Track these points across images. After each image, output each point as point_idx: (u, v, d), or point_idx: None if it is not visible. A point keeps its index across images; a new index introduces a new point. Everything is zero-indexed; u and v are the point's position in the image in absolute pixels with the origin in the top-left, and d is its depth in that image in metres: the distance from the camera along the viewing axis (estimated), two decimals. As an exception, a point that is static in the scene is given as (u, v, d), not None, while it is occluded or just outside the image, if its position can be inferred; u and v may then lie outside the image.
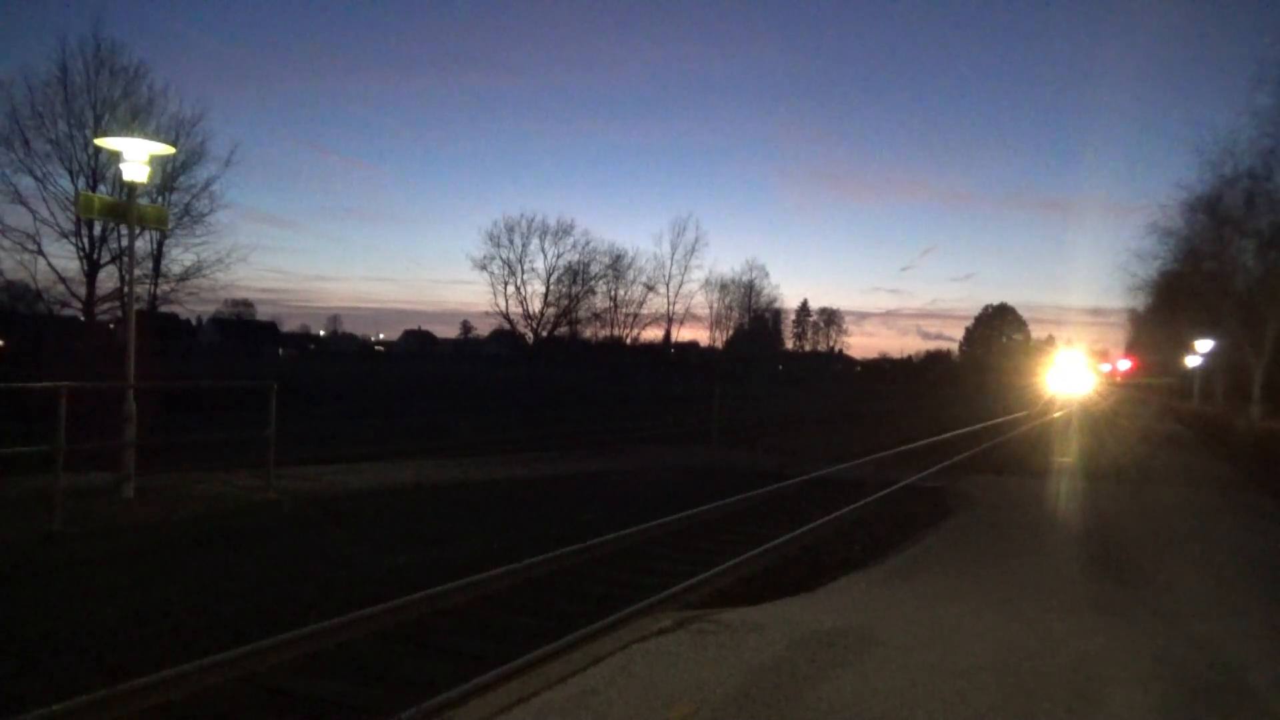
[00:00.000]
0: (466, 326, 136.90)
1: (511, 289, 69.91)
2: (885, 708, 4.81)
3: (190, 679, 5.49)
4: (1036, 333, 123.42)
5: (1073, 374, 58.17)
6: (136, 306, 12.44)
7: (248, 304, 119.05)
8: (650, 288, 77.99)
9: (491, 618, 7.33)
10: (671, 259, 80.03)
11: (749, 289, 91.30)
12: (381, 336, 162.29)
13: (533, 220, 70.50)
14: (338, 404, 35.41)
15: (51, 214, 29.95)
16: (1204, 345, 35.88)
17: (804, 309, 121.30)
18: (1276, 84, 26.12)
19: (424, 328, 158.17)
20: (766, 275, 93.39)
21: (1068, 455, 21.06)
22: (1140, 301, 48.04)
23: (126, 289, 23.24)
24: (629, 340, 78.06)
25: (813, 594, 7.42)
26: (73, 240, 30.47)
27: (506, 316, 71.06)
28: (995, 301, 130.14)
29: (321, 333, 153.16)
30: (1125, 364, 73.00)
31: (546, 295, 70.86)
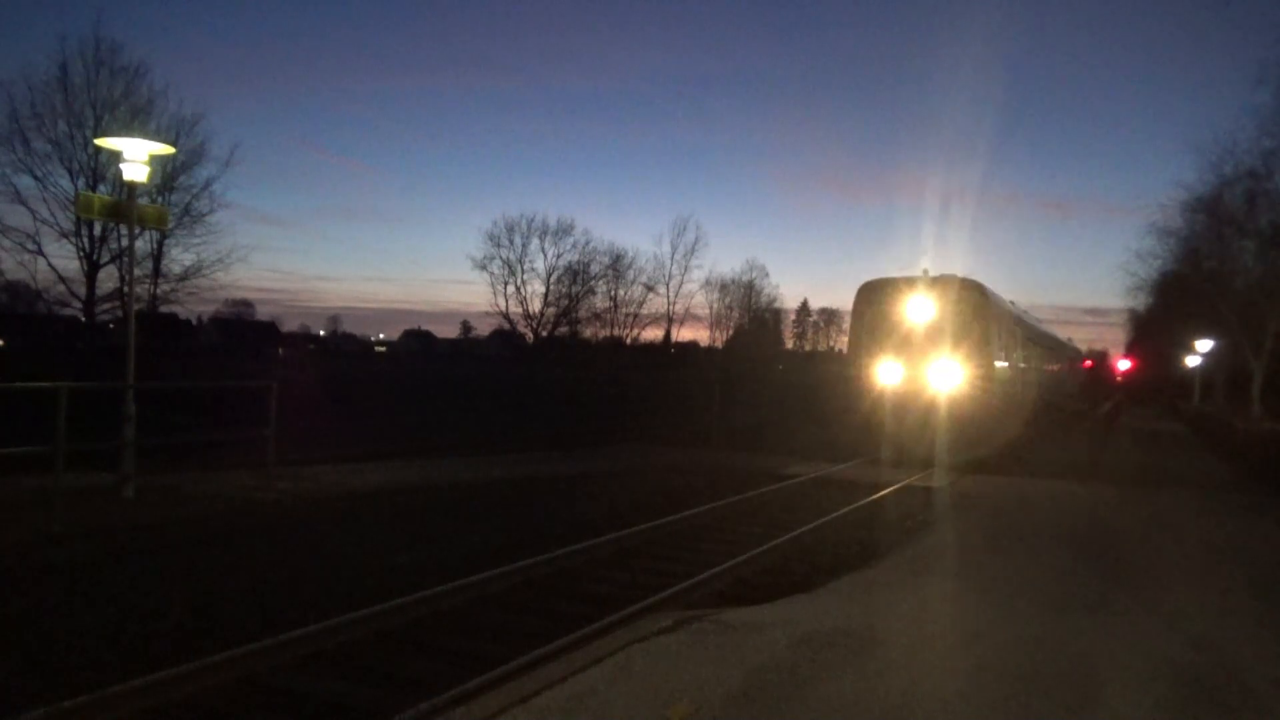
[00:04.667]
0: (466, 326, 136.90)
1: (511, 289, 70.19)
2: (886, 708, 4.81)
3: (190, 679, 5.49)
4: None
5: (926, 343, 19.37)
6: (136, 306, 12.43)
7: (248, 304, 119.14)
8: (650, 288, 78.12)
9: (492, 618, 7.33)
10: (671, 259, 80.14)
11: (749, 289, 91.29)
12: (382, 336, 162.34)
13: (533, 220, 70.76)
14: (337, 404, 35.40)
15: (51, 214, 30.05)
16: (1204, 345, 35.90)
17: (804, 309, 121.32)
18: (1276, 84, 26.14)
19: (424, 328, 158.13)
20: (766, 275, 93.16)
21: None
22: (1140, 301, 48.02)
23: (126, 289, 23.28)
24: (629, 340, 78.13)
25: (813, 594, 7.42)
26: (73, 240, 30.55)
27: (506, 316, 71.32)
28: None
29: (321, 333, 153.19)
30: (1125, 364, 72.97)
31: (546, 295, 71.12)
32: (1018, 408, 21.44)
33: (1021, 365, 22.71)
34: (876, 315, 18.80)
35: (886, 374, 17.96)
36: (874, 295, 19.03)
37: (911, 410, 17.71)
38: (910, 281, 18.29)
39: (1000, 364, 19.20)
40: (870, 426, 18.21)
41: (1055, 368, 33.28)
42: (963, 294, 18.33)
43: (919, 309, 18.01)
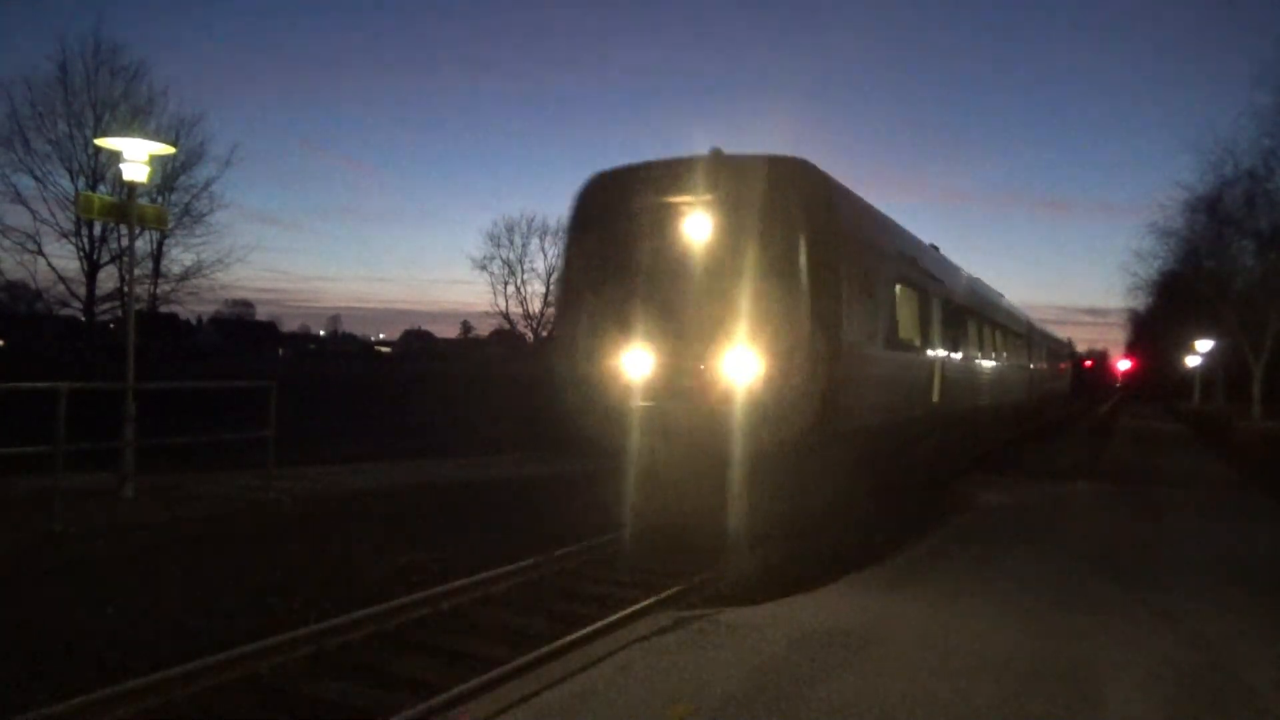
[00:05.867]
0: (467, 326, 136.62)
1: (511, 289, 70.05)
2: (885, 708, 4.81)
3: (190, 679, 5.50)
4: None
5: (708, 302, 9.04)
6: (136, 306, 12.41)
7: (248, 304, 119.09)
8: (649, 288, 77.98)
9: (492, 618, 7.34)
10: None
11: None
12: (382, 336, 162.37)
13: (533, 220, 70.47)
14: (338, 404, 35.40)
15: (51, 214, 30.03)
16: (1204, 345, 35.93)
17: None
18: (1276, 84, 26.22)
19: (424, 328, 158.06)
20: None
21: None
22: (1140, 301, 48.03)
23: (126, 289, 23.25)
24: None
25: (813, 594, 7.41)
26: (73, 240, 30.54)
27: (506, 316, 71.20)
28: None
29: (321, 333, 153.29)
30: (1125, 364, 73.08)
31: (546, 295, 70.92)
32: (921, 432, 12.28)
33: (937, 351, 12.81)
34: (608, 248, 9.65)
35: (632, 365, 9.26)
36: (605, 207, 9.77)
37: (680, 441, 9.01)
38: (675, 173, 9.35)
39: (868, 342, 9.75)
40: (609, 469, 9.89)
41: (1027, 366, 23.23)
42: (780, 192, 8.90)
43: (694, 229, 9.11)
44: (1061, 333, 38.59)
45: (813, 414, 8.57)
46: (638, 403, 9.25)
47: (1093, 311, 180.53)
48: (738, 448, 8.62)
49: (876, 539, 9.83)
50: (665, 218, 9.37)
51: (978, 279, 18.14)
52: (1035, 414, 26.80)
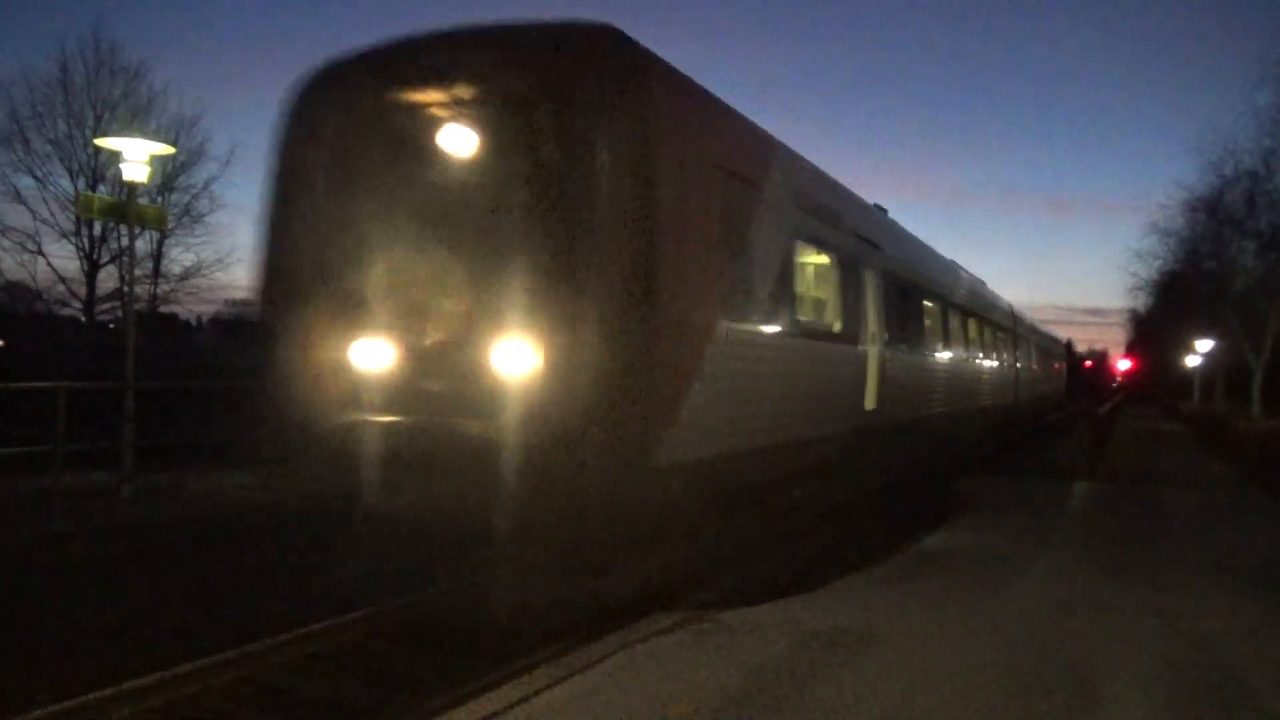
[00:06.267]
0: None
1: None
2: (885, 708, 4.81)
3: (190, 679, 5.50)
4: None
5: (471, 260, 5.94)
6: (136, 306, 12.41)
7: (248, 304, 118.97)
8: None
9: (493, 618, 7.32)
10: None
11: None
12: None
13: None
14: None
15: (51, 214, 29.94)
16: (1204, 345, 35.94)
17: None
18: (1276, 84, 26.19)
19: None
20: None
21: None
22: (1140, 301, 48.00)
23: (126, 289, 23.23)
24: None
25: (813, 594, 7.41)
26: (73, 240, 30.48)
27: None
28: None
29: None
30: (1125, 364, 73.18)
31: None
32: (846, 450, 9.46)
33: (874, 343, 9.96)
34: (328, 180, 6.57)
35: (361, 362, 6.48)
36: (324, 119, 6.61)
37: (429, 476, 6.35)
38: (425, 59, 6.35)
39: (730, 322, 6.79)
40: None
41: (1013, 365, 19.50)
42: (570, 79, 5.84)
43: (451, 145, 6.26)
44: (1061, 332, 38.05)
45: (617, 433, 5.58)
46: (369, 418, 6.41)
47: (1093, 311, 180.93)
48: (510, 488, 5.67)
49: (874, 539, 9.88)
50: (410, 129, 6.28)
51: (950, 260, 15.34)
52: (1025, 418, 24.45)
